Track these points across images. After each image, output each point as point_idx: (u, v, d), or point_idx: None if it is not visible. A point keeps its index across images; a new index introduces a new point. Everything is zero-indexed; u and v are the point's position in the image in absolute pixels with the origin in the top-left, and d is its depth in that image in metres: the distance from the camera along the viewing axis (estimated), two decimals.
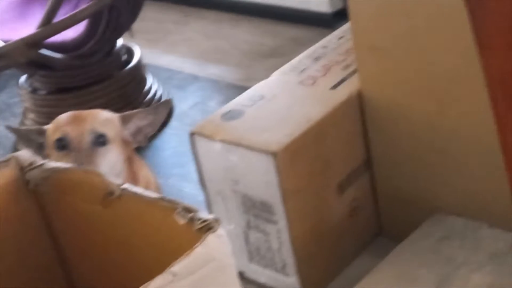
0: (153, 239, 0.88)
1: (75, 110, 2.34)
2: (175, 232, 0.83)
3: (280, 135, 1.49)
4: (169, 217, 0.83)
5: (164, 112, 1.48)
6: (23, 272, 1.00)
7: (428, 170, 1.55)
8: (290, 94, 1.64)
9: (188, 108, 2.48)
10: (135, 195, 0.87)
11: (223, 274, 0.79)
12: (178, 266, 0.75)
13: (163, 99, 2.48)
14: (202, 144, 1.54)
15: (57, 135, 1.37)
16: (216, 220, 0.80)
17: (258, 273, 1.63)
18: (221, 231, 0.79)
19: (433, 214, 1.54)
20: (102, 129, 1.37)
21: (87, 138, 1.35)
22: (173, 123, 2.42)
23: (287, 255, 1.55)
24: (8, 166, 0.98)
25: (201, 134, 1.54)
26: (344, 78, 1.63)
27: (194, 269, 0.76)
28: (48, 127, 1.42)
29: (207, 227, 0.79)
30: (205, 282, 0.77)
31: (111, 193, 0.90)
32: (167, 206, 0.84)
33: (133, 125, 1.44)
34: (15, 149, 2.43)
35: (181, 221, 0.82)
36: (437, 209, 1.55)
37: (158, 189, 1.56)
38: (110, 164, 1.35)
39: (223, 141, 1.51)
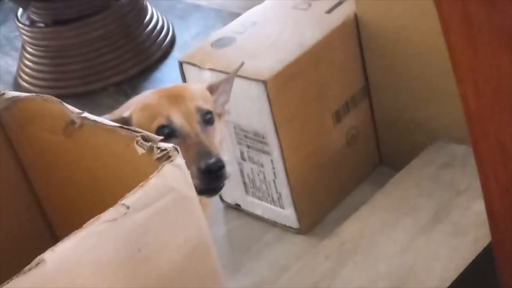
0: (114, 168, 0.83)
1: (73, 42, 2.31)
2: (135, 161, 0.78)
3: (271, 61, 1.43)
4: (129, 146, 0.79)
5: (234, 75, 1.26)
6: None
7: (428, 95, 1.49)
8: (283, 19, 1.56)
9: (190, 38, 2.41)
10: (95, 123, 0.82)
11: (182, 205, 0.74)
12: (131, 198, 0.70)
13: (164, 30, 2.41)
14: (192, 73, 1.48)
15: (157, 123, 1.09)
16: (175, 149, 0.75)
17: (255, 205, 1.59)
18: (179, 160, 0.74)
19: (435, 141, 1.48)
20: (205, 105, 1.12)
21: (197, 119, 1.10)
22: (175, 53, 2.36)
23: (282, 187, 1.50)
24: None
25: (190, 63, 1.48)
26: (340, 1, 1.55)
27: (150, 201, 0.71)
28: (132, 114, 1.11)
29: (166, 157, 0.74)
30: (163, 214, 0.72)
31: (72, 122, 0.85)
32: (127, 135, 0.79)
33: (216, 96, 1.21)
34: (17, 84, 2.39)
35: (140, 150, 0.77)
36: (439, 137, 1.49)
37: None
38: (220, 145, 1.13)
39: (212, 69, 1.45)
